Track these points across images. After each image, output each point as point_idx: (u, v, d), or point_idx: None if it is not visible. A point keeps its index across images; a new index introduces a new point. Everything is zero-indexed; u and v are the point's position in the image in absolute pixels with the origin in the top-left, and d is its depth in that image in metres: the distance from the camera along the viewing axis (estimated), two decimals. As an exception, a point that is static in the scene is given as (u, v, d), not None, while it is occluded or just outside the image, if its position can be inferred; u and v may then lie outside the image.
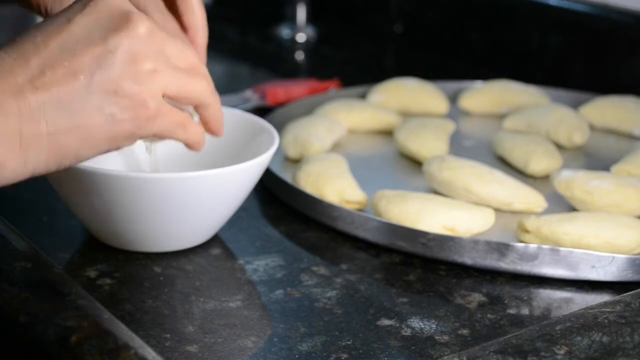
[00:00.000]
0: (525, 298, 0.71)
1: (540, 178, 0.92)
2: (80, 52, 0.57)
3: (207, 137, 0.82)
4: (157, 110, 0.59)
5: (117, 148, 0.60)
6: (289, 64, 1.40)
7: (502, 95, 1.10)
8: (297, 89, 1.11)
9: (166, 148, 0.81)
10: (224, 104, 0.96)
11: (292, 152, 0.93)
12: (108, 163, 0.79)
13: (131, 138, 0.60)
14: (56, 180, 0.72)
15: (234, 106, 0.94)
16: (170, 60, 0.60)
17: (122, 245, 0.73)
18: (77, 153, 0.58)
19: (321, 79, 1.17)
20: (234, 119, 0.82)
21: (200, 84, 0.62)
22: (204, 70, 0.63)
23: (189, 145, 0.65)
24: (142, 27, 0.58)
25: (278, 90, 1.09)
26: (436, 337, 0.65)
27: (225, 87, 1.14)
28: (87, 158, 0.59)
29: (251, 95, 1.10)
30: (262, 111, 1.03)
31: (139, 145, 0.82)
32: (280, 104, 1.07)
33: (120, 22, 0.58)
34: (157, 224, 0.71)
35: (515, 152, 0.94)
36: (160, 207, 0.70)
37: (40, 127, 0.56)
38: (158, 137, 0.62)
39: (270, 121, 0.91)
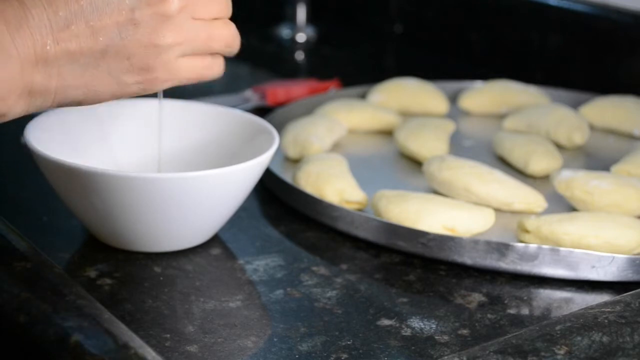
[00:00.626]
0: (525, 298, 0.71)
1: (540, 178, 0.92)
2: (107, 15, 0.59)
3: (208, 138, 0.82)
4: (167, 76, 0.62)
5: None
6: (289, 64, 1.40)
7: (502, 95, 1.10)
8: (297, 89, 1.10)
9: (167, 147, 0.82)
10: (223, 104, 0.96)
11: (292, 152, 0.93)
12: (107, 162, 0.79)
13: (137, 94, 0.63)
14: (56, 180, 0.72)
15: (234, 106, 0.94)
16: (195, 14, 0.62)
17: (122, 245, 0.73)
18: (80, 102, 0.61)
19: (321, 79, 1.17)
20: (233, 119, 0.82)
21: (219, 43, 0.66)
22: (228, 23, 0.68)
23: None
24: (173, 6, 0.59)
25: (278, 90, 1.09)
26: (436, 337, 0.65)
27: (225, 87, 1.14)
28: (88, 104, 0.62)
29: (251, 95, 1.10)
30: (262, 111, 1.03)
31: (140, 145, 0.82)
32: (280, 104, 1.07)
33: None
34: (157, 223, 0.71)
35: (515, 152, 0.94)
36: (160, 207, 0.70)
37: (51, 81, 0.58)
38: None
39: (270, 121, 0.91)
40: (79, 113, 0.80)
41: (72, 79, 0.59)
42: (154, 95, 0.88)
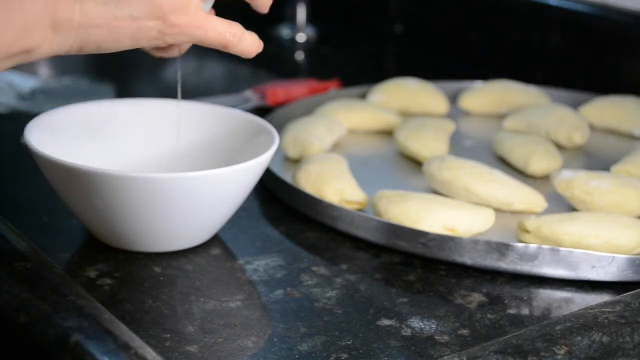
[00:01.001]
0: (525, 298, 0.71)
1: (540, 178, 0.92)
2: None
3: (208, 138, 0.82)
4: (190, 24, 0.63)
5: (141, 46, 0.64)
6: (289, 64, 1.40)
7: (502, 95, 1.10)
8: (297, 89, 1.10)
9: (167, 147, 0.82)
10: (224, 104, 0.96)
11: (292, 152, 0.93)
12: (107, 162, 0.79)
13: (157, 42, 0.64)
14: (56, 181, 0.72)
15: (234, 106, 0.94)
16: None
17: (123, 245, 0.73)
18: (100, 45, 0.62)
19: (321, 79, 1.17)
20: (234, 119, 0.82)
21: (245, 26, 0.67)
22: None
23: (241, 54, 0.68)
24: None
25: (278, 90, 1.09)
26: (436, 337, 0.65)
27: (225, 87, 1.14)
28: (108, 50, 0.63)
29: (251, 96, 1.10)
30: (262, 111, 1.03)
31: (138, 146, 0.82)
32: (280, 104, 1.07)
33: None
34: (157, 223, 0.71)
35: (515, 152, 0.94)
36: (160, 207, 0.70)
37: (74, 15, 0.60)
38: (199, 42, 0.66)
39: (270, 121, 0.91)
40: (80, 113, 0.80)
41: (93, 16, 0.61)
42: (154, 95, 0.88)
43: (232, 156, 0.79)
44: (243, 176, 0.73)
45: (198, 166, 0.80)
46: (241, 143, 0.80)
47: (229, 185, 0.72)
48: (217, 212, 0.74)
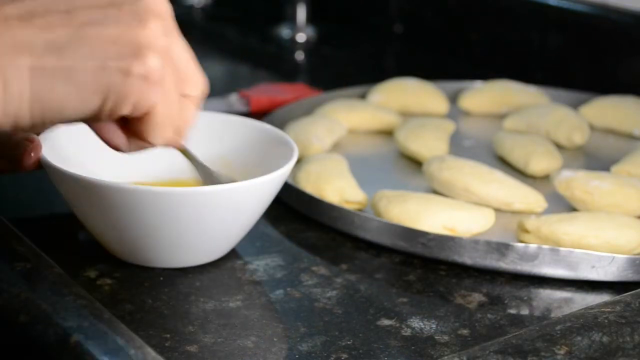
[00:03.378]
0: (525, 298, 0.71)
1: (540, 178, 0.92)
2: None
3: (224, 149, 0.80)
4: (154, 71, 0.55)
5: (109, 114, 0.55)
6: (289, 64, 1.40)
7: (502, 95, 1.10)
8: (282, 96, 1.09)
9: (178, 159, 0.80)
10: (207, 108, 0.95)
11: (292, 152, 0.93)
12: (119, 175, 0.77)
13: (123, 100, 0.55)
14: (69, 194, 0.70)
15: (217, 111, 0.92)
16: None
17: (138, 261, 0.72)
18: (63, 102, 0.54)
19: (321, 79, 1.17)
20: (251, 129, 0.80)
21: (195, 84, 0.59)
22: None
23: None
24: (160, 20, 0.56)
25: (262, 98, 1.08)
26: (436, 337, 0.65)
27: (225, 87, 1.14)
28: (74, 112, 0.55)
29: (235, 101, 1.09)
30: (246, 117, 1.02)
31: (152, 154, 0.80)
32: (264, 112, 1.05)
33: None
34: (173, 239, 0.70)
35: (515, 152, 0.94)
36: (176, 222, 0.68)
37: (23, 59, 0.52)
38: (147, 112, 0.56)
39: (270, 121, 0.91)
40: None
41: (48, 61, 0.53)
42: None
43: (250, 168, 0.77)
44: (264, 189, 0.71)
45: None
46: (258, 154, 0.78)
47: (249, 199, 0.70)
48: (235, 226, 0.72)
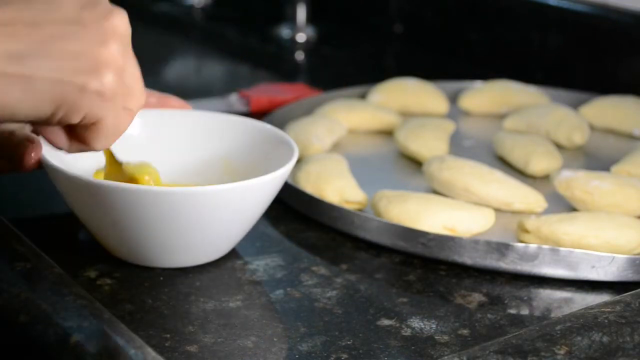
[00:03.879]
0: (525, 298, 0.71)
1: (540, 178, 0.92)
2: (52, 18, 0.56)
3: (223, 149, 0.80)
4: (108, 89, 0.58)
5: (58, 121, 0.58)
6: (289, 64, 1.40)
7: (502, 95, 1.10)
8: (282, 96, 1.09)
9: (181, 159, 0.80)
10: (207, 108, 0.95)
11: (292, 152, 0.93)
12: None
13: (75, 111, 0.58)
14: (70, 194, 0.70)
15: (217, 111, 0.92)
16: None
17: (138, 261, 0.72)
18: (16, 107, 0.56)
19: (320, 79, 1.16)
20: (251, 129, 0.80)
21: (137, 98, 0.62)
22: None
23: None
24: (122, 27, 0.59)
25: (262, 98, 1.08)
26: (436, 337, 0.65)
27: (225, 87, 1.14)
28: (24, 117, 0.57)
29: (235, 101, 1.09)
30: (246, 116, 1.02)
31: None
32: (263, 112, 1.05)
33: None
34: (172, 239, 0.70)
35: (515, 152, 0.94)
36: (176, 222, 0.68)
37: None
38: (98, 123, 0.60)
39: (270, 121, 0.91)
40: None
41: (6, 67, 0.54)
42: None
43: (250, 168, 0.77)
44: (264, 189, 0.71)
45: (215, 179, 0.79)
46: (258, 154, 0.78)
47: (249, 199, 0.70)
48: (235, 226, 0.72)
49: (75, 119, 0.59)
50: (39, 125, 0.61)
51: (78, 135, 0.61)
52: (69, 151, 0.63)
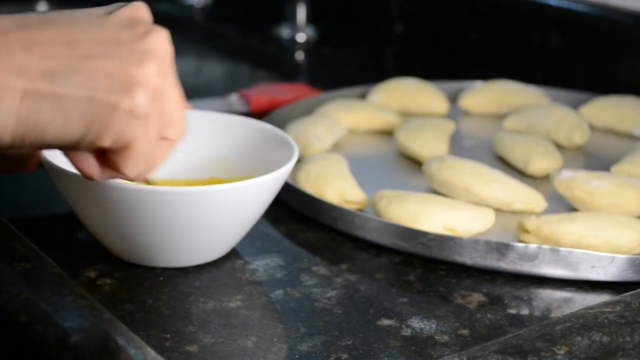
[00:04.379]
0: (525, 298, 0.71)
1: (540, 178, 0.92)
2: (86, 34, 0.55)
3: (224, 149, 0.80)
4: (140, 108, 0.55)
5: (89, 144, 0.56)
6: (289, 64, 1.40)
7: (502, 95, 1.10)
8: (282, 96, 1.09)
9: (181, 159, 0.80)
10: (207, 108, 0.95)
11: (292, 152, 0.93)
12: None
13: (105, 131, 0.56)
14: (70, 193, 0.70)
15: (217, 111, 0.92)
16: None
17: (139, 261, 0.72)
18: (47, 126, 0.54)
19: (320, 79, 1.16)
20: (251, 129, 0.80)
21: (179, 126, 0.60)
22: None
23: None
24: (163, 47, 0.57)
25: (262, 98, 1.08)
26: (436, 337, 0.65)
27: (225, 87, 1.14)
28: (55, 138, 0.55)
29: (235, 101, 1.09)
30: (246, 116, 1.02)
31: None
32: (264, 112, 1.05)
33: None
34: (173, 238, 0.70)
35: (515, 152, 0.94)
36: (176, 222, 0.68)
37: (19, 81, 0.53)
38: (126, 145, 0.57)
39: (270, 121, 0.91)
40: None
41: (41, 86, 0.54)
42: None
43: (250, 168, 0.77)
44: (264, 189, 0.71)
45: (215, 179, 0.79)
46: (258, 154, 0.78)
47: (249, 199, 0.70)
48: (235, 226, 0.72)
49: (105, 141, 0.56)
50: (69, 150, 0.59)
51: (109, 161, 0.58)
52: (101, 179, 0.60)
